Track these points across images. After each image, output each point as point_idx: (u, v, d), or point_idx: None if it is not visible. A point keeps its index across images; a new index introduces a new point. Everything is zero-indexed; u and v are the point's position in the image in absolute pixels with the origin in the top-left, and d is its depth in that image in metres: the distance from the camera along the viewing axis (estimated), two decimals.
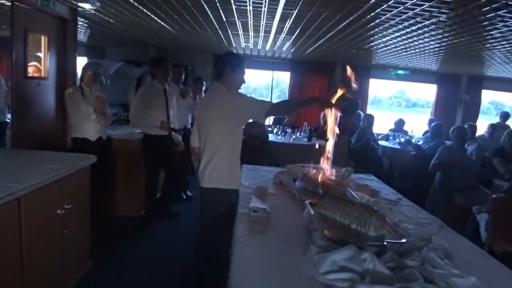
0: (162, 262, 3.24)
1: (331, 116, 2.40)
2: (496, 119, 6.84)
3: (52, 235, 2.37)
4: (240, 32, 4.61)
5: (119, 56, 6.63)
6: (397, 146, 6.27)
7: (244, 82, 2.43)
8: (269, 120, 7.43)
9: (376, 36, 4.20)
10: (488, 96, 7.92)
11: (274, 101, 3.04)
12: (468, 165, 4.21)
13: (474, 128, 5.74)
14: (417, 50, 4.99)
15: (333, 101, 2.27)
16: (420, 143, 5.85)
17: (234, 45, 5.96)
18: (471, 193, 4.03)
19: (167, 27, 4.68)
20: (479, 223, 3.54)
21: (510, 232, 3.10)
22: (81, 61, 4.02)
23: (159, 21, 4.31)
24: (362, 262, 1.38)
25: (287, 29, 4.16)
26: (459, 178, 4.05)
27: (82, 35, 5.96)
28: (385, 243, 1.57)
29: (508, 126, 6.37)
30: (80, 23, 4.67)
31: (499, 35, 3.29)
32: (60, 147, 3.64)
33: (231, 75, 2.34)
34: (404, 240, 1.60)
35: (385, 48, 5.08)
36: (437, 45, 4.36)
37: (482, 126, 6.52)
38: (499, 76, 7.24)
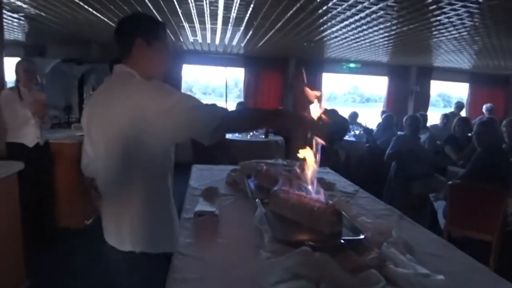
0: (105, 277, 2.92)
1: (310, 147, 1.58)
2: (445, 111, 7.12)
3: None
4: (185, 24, 4.36)
5: (61, 55, 6.12)
6: (353, 139, 6.35)
7: (167, 65, 1.46)
8: None
9: (325, 26, 4.14)
10: (436, 89, 8.31)
11: (231, 105, 1.44)
12: (422, 153, 4.27)
13: (425, 118, 5.94)
14: (367, 41, 5.01)
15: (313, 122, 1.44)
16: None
17: (181, 40, 5.68)
18: (427, 181, 4.07)
19: (107, 20, 4.32)
20: (436, 211, 3.56)
21: (467, 218, 3.10)
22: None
23: (95, 13, 3.96)
24: (317, 266, 1.21)
25: (233, 19, 3.98)
26: (414, 167, 4.09)
27: (18, 33, 5.44)
28: (341, 241, 1.43)
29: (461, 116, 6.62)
30: (12, 18, 4.29)
31: (446, 20, 3.31)
32: None
33: (145, 53, 1.34)
34: (362, 236, 1.45)
35: (335, 40, 5.05)
36: (386, 34, 4.38)
37: (431, 118, 6.74)
38: (446, 66, 7.50)
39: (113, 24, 4.53)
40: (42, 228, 3.47)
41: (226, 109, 1.31)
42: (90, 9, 3.82)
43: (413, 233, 1.74)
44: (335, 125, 1.41)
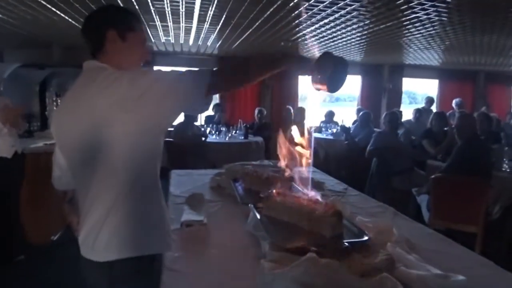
0: None
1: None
2: (412, 107, 7.31)
3: None
4: (158, 22, 4.17)
5: (20, 59, 5.77)
6: (330, 137, 6.38)
7: (147, 59, 1.32)
8: (200, 119, 6.99)
9: (304, 25, 4.09)
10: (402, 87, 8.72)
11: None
12: (401, 148, 4.32)
13: (400, 114, 6.05)
14: (343, 40, 5.02)
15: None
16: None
17: (153, 40, 5.46)
18: (407, 175, 4.11)
19: (71, 20, 4.06)
20: (420, 205, 3.57)
21: (451, 210, 3.12)
22: None
23: (58, 12, 3.71)
24: (327, 273, 1.10)
25: (210, 18, 3.83)
26: (395, 162, 4.12)
27: None
28: (346, 244, 1.33)
29: (431, 111, 6.81)
30: None
31: (425, 17, 3.31)
32: None
33: (118, 46, 1.20)
34: (366, 238, 1.36)
35: (312, 39, 5.02)
36: (364, 32, 4.39)
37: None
38: (417, 63, 7.68)
39: (77, 25, 4.27)
40: (8, 246, 3.20)
41: (212, 69, 1.18)
42: (53, 8, 3.57)
43: (409, 229, 1.68)
44: (334, 65, 1.29)
